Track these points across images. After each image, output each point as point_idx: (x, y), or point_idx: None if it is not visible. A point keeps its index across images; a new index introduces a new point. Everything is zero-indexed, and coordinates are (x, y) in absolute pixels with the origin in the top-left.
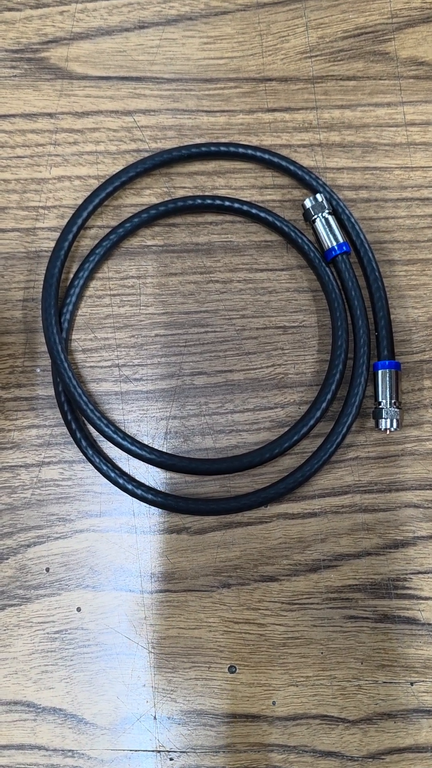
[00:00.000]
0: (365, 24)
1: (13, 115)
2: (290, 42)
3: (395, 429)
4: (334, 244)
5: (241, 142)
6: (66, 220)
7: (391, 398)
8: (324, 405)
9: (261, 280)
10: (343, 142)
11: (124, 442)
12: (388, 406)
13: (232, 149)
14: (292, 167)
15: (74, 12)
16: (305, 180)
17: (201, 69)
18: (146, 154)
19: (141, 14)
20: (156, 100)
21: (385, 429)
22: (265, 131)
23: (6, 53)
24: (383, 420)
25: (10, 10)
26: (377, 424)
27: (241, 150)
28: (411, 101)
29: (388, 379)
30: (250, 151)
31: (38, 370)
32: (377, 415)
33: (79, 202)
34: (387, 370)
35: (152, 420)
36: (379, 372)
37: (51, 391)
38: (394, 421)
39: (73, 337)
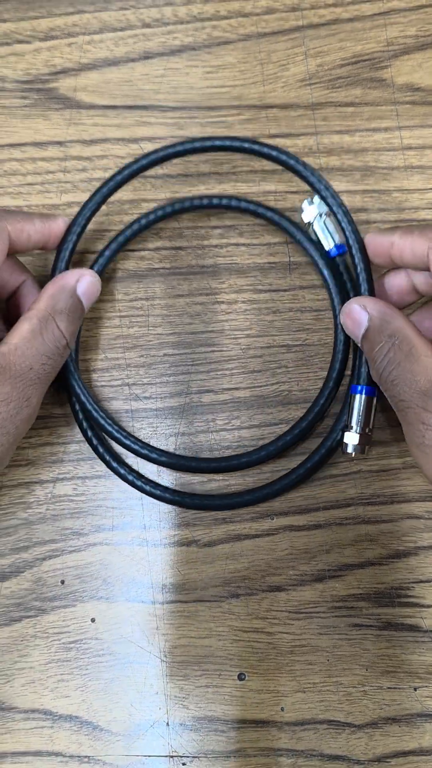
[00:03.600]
0: (362, 52)
1: (24, 144)
2: (290, 70)
3: (360, 455)
4: (333, 245)
5: (240, 136)
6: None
7: (360, 424)
8: (310, 421)
9: (265, 301)
10: (343, 166)
11: (144, 450)
12: (356, 431)
13: (227, 143)
14: (291, 160)
15: (82, 44)
16: (302, 173)
17: (204, 97)
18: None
19: (146, 45)
20: (161, 128)
21: (350, 453)
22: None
23: (17, 84)
24: (348, 444)
25: (20, 42)
26: (342, 447)
27: (238, 143)
28: (407, 126)
29: (362, 404)
30: (247, 144)
31: (51, 389)
32: (343, 437)
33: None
34: (362, 396)
35: (162, 437)
36: (356, 396)
37: (63, 410)
38: (355, 447)
39: (85, 357)
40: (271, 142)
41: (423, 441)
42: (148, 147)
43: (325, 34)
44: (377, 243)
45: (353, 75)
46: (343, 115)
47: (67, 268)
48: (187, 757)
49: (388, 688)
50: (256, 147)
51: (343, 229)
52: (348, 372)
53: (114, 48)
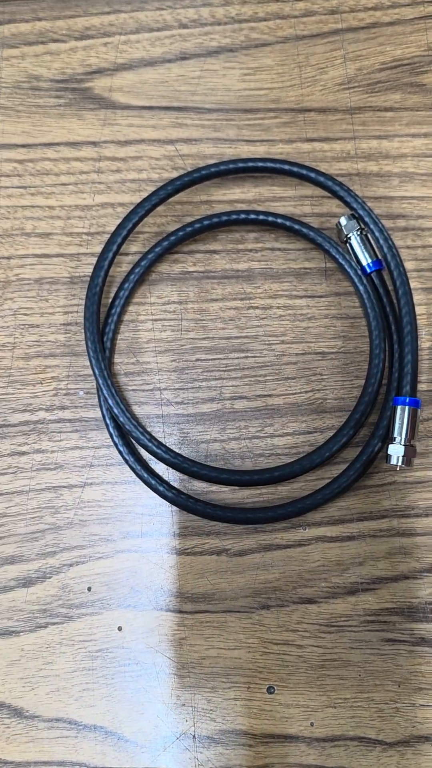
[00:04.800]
0: (402, 56)
1: (58, 144)
2: (328, 74)
3: (405, 467)
4: (369, 261)
5: (279, 158)
6: None
7: (405, 435)
8: (350, 431)
9: (300, 307)
10: (381, 172)
11: (176, 460)
12: (401, 443)
13: (269, 164)
14: (329, 182)
15: (118, 43)
16: (339, 193)
17: (241, 99)
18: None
19: (183, 46)
20: (197, 130)
21: (396, 465)
22: (304, 160)
23: (51, 83)
24: (393, 456)
25: (55, 41)
26: (387, 459)
27: (278, 165)
28: None
29: (405, 416)
30: (286, 167)
31: (81, 393)
32: (388, 449)
33: None
34: (406, 407)
35: (193, 443)
36: (398, 408)
37: (94, 414)
38: (402, 458)
39: (116, 360)
40: (308, 146)
41: None
42: (184, 149)
43: (364, 38)
44: None
45: (393, 79)
46: (381, 119)
47: (109, 268)
48: None
49: (421, 705)
50: (295, 169)
51: (381, 248)
52: (384, 381)
53: (150, 48)
